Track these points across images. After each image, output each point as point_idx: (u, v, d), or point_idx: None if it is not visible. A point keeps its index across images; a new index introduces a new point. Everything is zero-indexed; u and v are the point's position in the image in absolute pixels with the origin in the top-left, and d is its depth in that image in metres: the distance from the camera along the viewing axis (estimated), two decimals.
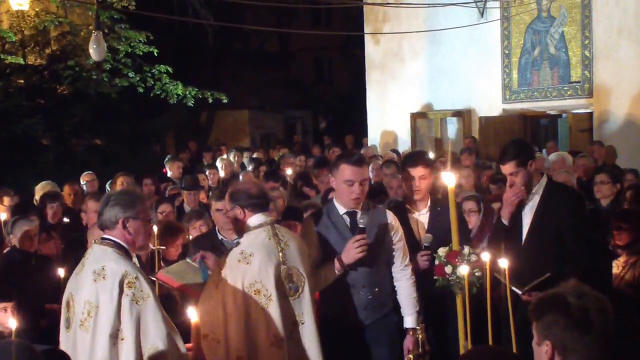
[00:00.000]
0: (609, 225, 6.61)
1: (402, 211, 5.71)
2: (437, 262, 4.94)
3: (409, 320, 5.32)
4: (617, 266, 6.21)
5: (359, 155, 5.51)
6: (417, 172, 5.65)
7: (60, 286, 6.37)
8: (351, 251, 5.08)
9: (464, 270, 4.58)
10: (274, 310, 4.61)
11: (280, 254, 4.74)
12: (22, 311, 5.32)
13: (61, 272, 6.36)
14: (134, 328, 4.01)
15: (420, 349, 4.84)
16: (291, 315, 4.70)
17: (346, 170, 5.20)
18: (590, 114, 14.52)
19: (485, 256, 4.45)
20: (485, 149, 14.83)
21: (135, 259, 4.53)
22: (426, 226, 5.66)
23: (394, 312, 5.40)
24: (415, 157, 5.92)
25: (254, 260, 4.65)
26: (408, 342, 5.25)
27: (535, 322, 2.86)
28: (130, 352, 4.00)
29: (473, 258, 4.71)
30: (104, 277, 4.05)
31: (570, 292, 2.83)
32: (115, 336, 4.01)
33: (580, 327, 2.74)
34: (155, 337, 4.04)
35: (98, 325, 4.02)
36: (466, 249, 4.86)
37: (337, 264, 5.13)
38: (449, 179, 4.43)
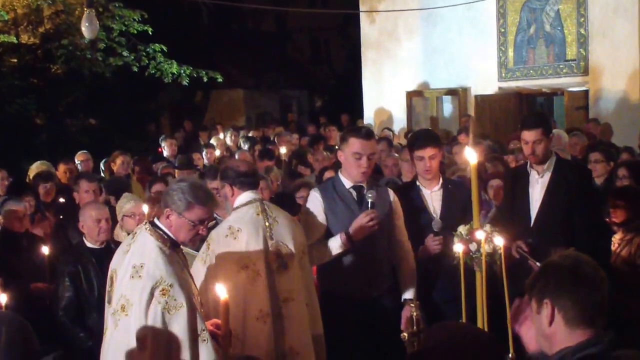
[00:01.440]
0: (604, 203, 6.61)
1: (414, 189, 5.74)
2: (456, 240, 4.91)
3: (410, 293, 5.35)
4: (613, 243, 6.21)
5: (367, 129, 5.60)
6: (427, 152, 5.64)
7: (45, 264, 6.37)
8: (362, 226, 5.10)
9: (490, 245, 4.56)
10: (261, 286, 4.62)
11: (268, 230, 4.74)
12: (10, 291, 5.23)
13: (45, 250, 6.33)
14: (161, 337, 3.93)
15: (415, 327, 4.83)
16: (280, 292, 4.70)
17: (355, 144, 5.25)
18: (586, 92, 14.50)
19: (480, 234, 4.44)
20: (481, 128, 14.81)
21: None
22: (440, 203, 5.68)
23: (392, 288, 5.43)
24: (425, 137, 5.90)
25: (241, 236, 4.65)
26: (406, 312, 5.25)
27: (531, 293, 2.90)
28: None
29: (495, 235, 4.69)
30: (140, 276, 3.99)
31: (560, 257, 2.92)
32: (141, 342, 3.93)
33: (574, 280, 2.79)
34: (181, 351, 3.96)
35: (130, 325, 3.96)
36: (487, 227, 4.84)
37: (344, 238, 5.14)
38: (471, 156, 4.39)
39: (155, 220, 4.22)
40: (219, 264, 4.62)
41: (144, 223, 4.28)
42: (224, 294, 3.90)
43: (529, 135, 5.79)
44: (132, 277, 4.01)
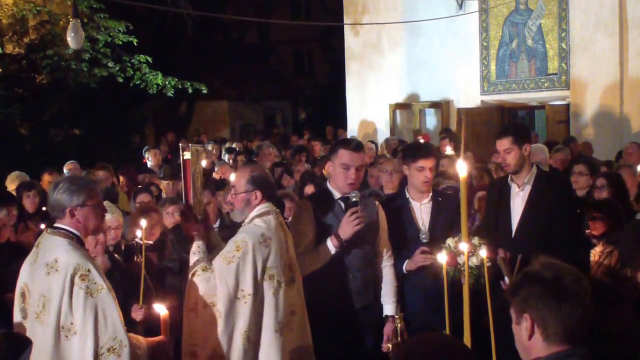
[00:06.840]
0: (584, 215, 6.66)
1: (402, 201, 5.79)
2: (445, 252, 4.82)
3: (390, 308, 5.41)
4: (594, 255, 6.25)
5: (358, 142, 5.60)
6: (429, 163, 5.69)
7: None
8: (348, 225, 5.14)
9: (478, 258, 4.58)
10: (281, 297, 4.66)
11: (285, 242, 4.80)
12: None
13: None
14: (90, 321, 3.95)
15: (399, 338, 4.86)
16: (289, 305, 4.75)
17: (344, 155, 5.30)
18: (567, 106, 14.65)
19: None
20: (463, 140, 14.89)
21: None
22: (429, 216, 5.70)
23: (376, 299, 5.47)
24: (427, 148, 5.97)
25: (272, 245, 4.67)
26: (388, 329, 5.31)
27: (512, 301, 2.85)
28: (86, 346, 3.94)
29: (483, 248, 4.71)
30: (56, 270, 3.98)
31: (542, 266, 2.84)
32: (67, 329, 3.95)
33: (557, 296, 2.73)
34: (115, 329, 4.00)
35: (50, 317, 3.97)
36: (475, 239, 4.85)
37: (334, 241, 5.17)
38: (462, 168, 4.41)
39: (56, 224, 4.20)
40: (250, 269, 4.60)
41: (45, 229, 4.27)
42: (163, 311, 3.89)
43: (499, 144, 5.86)
44: (48, 273, 4.00)
